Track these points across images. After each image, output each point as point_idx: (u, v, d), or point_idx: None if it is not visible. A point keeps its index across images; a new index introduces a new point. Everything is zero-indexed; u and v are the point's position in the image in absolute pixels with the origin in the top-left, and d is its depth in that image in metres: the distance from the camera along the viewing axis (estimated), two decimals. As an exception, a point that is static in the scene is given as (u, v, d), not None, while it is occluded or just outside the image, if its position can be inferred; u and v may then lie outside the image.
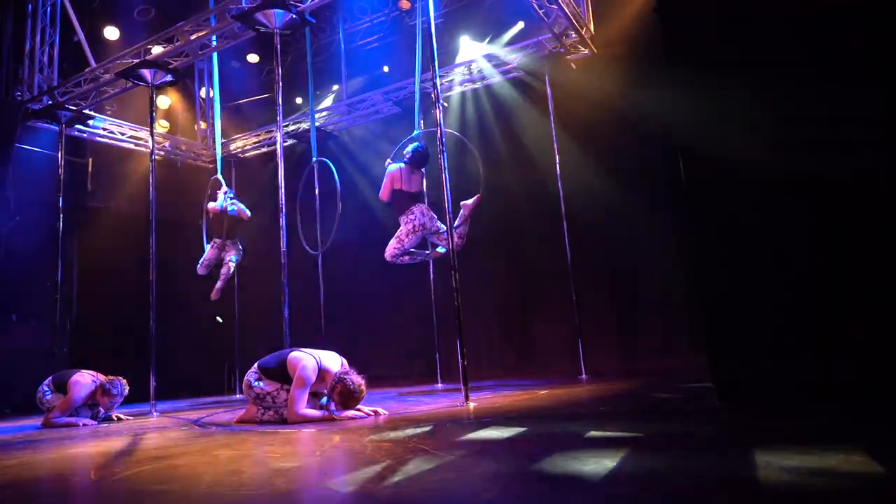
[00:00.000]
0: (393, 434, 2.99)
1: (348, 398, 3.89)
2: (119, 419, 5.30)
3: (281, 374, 4.05)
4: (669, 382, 4.76)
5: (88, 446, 3.52)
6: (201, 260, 7.57)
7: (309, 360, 3.99)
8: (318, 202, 8.45)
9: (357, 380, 3.91)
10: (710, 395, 3.19)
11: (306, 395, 3.95)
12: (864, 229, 2.75)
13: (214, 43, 6.83)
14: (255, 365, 4.21)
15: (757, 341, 2.95)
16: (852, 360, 2.70)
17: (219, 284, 7.53)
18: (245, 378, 4.21)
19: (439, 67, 5.40)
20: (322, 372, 4.00)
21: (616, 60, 7.30)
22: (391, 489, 1.85)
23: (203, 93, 10.40)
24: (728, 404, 2.98)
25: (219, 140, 8.18)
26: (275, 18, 5.66)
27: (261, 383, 4.08)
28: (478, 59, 7.95)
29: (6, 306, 7.42)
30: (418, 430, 3.05)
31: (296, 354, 4.05)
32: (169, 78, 6.88)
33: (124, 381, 5.10)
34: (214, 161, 10.19)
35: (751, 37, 3.12)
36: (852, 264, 2.78)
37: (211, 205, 7.61)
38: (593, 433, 2.68)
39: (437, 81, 4.99)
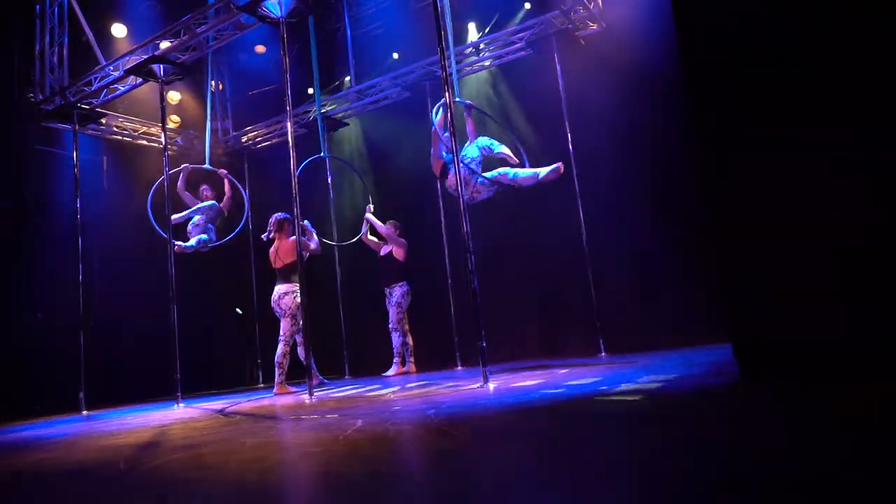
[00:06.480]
0: (415, 417, 3.01)
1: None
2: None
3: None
4: (690, 357, 4.73)
5: (117, 438, 3.58)
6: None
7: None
8: (331, 194, 8.49)
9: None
10: (731, 369, 3.17)
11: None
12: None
13: (221, 35, 6.82)
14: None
15: (781, 311, 2.88)
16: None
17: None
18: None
19: (446, 50, 5.36)
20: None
21: (626, 33, 7.18)
22: (416, 472, 1.86)
23: (213, 86, 10.42)
24: (750, 378, 2.95)
25: (209, 133, 8.30)
26: (280, 7, 5.63)
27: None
28: (485, 39, 7.87)
29: (30, 306, 7.54)
30: (440, 413, 3.06)
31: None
32: (178, 73, 6.90)
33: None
34: (227, 154, 10.25)
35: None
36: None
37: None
38: (617, 408, 2.68)
39: (448, 62, 4.95)
